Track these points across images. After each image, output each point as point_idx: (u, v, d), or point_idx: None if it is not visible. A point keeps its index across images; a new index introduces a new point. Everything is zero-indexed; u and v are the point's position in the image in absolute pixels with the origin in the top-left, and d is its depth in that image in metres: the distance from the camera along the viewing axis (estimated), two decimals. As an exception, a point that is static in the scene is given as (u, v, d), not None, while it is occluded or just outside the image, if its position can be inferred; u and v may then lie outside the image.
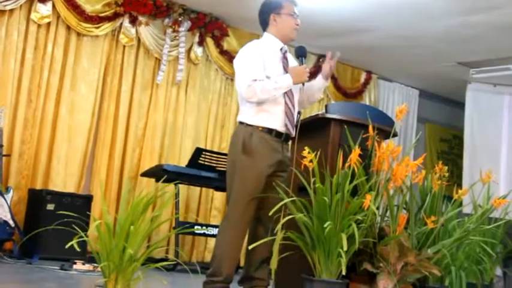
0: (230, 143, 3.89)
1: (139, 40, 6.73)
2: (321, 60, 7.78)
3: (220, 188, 6.58)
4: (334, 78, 8.18)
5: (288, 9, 3.89)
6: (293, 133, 3.81)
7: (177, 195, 6.03)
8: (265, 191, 3.74)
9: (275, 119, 3.76)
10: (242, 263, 4.10)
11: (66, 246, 3.09)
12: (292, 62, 3.95)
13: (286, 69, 3.84)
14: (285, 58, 3.90)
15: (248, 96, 3.70)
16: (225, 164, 6.26)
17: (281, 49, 3.89)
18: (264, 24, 3.95)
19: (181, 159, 6.87)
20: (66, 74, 6.26)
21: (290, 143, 3.86)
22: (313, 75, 7.91)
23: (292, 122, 3.80)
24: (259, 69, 3.73)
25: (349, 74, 8.46)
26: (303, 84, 3.83)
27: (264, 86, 3.68)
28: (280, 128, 3.76)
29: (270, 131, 3.75)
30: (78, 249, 3.22)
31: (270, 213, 3.48)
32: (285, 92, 3.78)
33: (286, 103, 3.79)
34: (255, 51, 3.81)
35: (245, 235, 3.79)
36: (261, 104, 3.74)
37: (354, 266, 3.57)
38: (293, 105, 3.83)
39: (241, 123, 3.81)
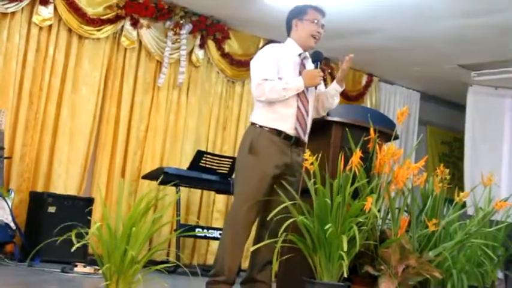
0: (240, 143, 3.92)
1: (140, 43, 6.73)
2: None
3: (222, 191, 6.58)
4: (335, 81, 8.18)
5: (311, 16, 3.91)
6: (304, 138, 3.81)
7: (178, 197, 6.03)
8: (272, 193, 3.74)
9: (285, 122, 3.77)
10: (246, 265, 4.10)
11: (72, 250, 3.08)
12: (311, 68, 3.93)
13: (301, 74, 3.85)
14: (302, 64, 3.91)
15: (257, 94, 3.74)
16: (225, 167, 6.27)
17: (300, 55, 3.92)
18: (288, 29, 4.00)
19: (182, 161, 6.86)
20: (67, 77, 6.26)
21: (303, 148, 3.80)
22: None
23: (303, 126, 3.79)
24: (271, 70, 3.75)
25: (351, 77, 8.46)
26: (316, 87, 3.84)
27: (274, 85, 3.70)
28: (290, 131, 3.76)
29: (278, 132, 3.75)
30: (78, 251, 3.21)
31: (269, 218, 3.48)
32: (299, 96, 3.79)
33: (298, 107, 3.79)
34: (270, 52, 3.86)
35: (248, 235, 3.79)
36: (272, 105, 3.76)
37: (355, 268, 3.57)
38: (306, 111, 3.82)
39: (252, 123, 3.85)
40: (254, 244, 3.78)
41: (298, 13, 3.95)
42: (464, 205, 4.15)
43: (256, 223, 3.88)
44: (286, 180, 3.77)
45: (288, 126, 3.76)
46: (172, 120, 6.97)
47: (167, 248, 6.55)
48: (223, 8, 6.81)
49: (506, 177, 7.88)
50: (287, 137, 3.76)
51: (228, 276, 3.69)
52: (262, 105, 3.80)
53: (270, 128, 3.76)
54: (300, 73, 3.84)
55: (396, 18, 6.53)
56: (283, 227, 3.40)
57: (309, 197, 3.55)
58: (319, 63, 3.89)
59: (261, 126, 3.77)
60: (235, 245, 3.73)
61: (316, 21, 3.91)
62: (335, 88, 3.98)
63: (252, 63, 3.87)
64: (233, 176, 4.16)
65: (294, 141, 3.79)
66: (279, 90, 3.71)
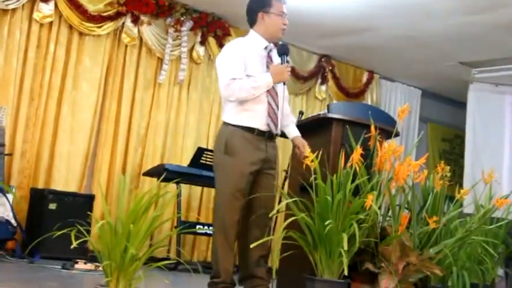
0: (214, 144, 3.90)
1: (141, 39, 6.73)
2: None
3: (222, 188, 6.57)
4: (336, 78, 8.18)
5: (277, 8, 3.84)
6: (277, 131, 3.82)
7: (178, 194, 6.03)
8: (254, 189, 3.76)
9: (257, 118, 3.75)
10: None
11: (71, 247, 3.08)
12: (277, 60, 3.88)
13: (269, 69, 3.80)
14: (269, 57, 3.86)
15: (227, 94, 3.73)
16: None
17: (266, 47, 3.86)
18: (252, 22, 3.91)
19: (183, 158, 6.87)
20: (68, 73, 6.26)
21: (276, 141, 3.87)
22: (313, 75, 7.98)
23: (275, 121, 3.79)
24: (239, 68, 3.71)
25: (351, 74, 8.46)
26: (284, 83, 3.81)
27: (243, 84, 3.67)
28: (262, 126, 3.76)
29: (251, 130, 3.74)
30: (78, 248, 3.22)
31: (271, 216, 3.49)
32: (268, 91, 3.76)
33: (269, 102, 3.78)
34: (235, 49, 3.80)
35: (235, 234, 3.77)
36: (242, 103, 3.74)
37: (355, 265, 3.57)
38: (277, 105, 3.81)
39: (224, 123, 3.84)
40: (243, 240, 3.79)
41: (263, 5, 3.85)
42: (462, 204, 4.15)
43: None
44: (267, 174, 3.80)
45: (260, 123, 3.75)
46: (173, 117, 6.97)
47: (168, 244, 6.55)
48: (224, 5, 6.80)
49: (507, 175, 7.87)
50: (260, 133, 3.76)
51: (225, 278, 3.70)
52: (234, 105, 3.77)
53: (242, 127, 3.74)
54: (268, 67, 3.80)
55: (397, 16, 6.53)
56: (281, 225, 3.40)
57: (308, 194, 3.55)
58: (285, 56, 3.81)
59: (233, 125, 3.76)
60: (225, 246, 3.71)
61: (282, 13, 3.85)
62: (292, 137, 3.97)
63: (218, 61, 3.83)
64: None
65: (268, 136, 3.78)
66: (248, 89, 3.68)
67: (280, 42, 3.85)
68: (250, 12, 3.91)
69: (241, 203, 3.73)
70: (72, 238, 3.06)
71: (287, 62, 3.81)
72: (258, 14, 3.86)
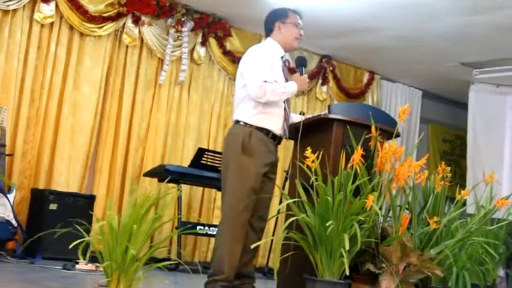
0: (227, 142, 3.94)
1: (142, 40, 6.74)
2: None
3: (223, 188, 6.58)
4: (337, 79, 8.18)
5: (293, 19, 4.02)
6: (286, 136, 3.95)
7: (179, 195, 6.03)
8: (259, 191, 3.84)
9: (275, 122, 3.87)
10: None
11: (70, 247, 3.09)
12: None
13: (286, 77, 3.96)
14: (285, 66, 4.04)
15: (257, 96, 3.77)
16: (227, 164, 6.26)
17: (282, 57, 4.01)
18: (269, 31, 4.07)
19: (183, 159, 6.87)
20: (69, 74, 6.27)
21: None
22: (314, 75, 7.98)
23: (287, 126, 3.94)
24: (270, 72, 3.82)
25: (352, 75, 8.46)
26: (303, 92, 3.95)
27: (275, 88, 3.78)
28: (277, 130, 3.88)
29: (267, 132, 3.84)
30: (80, 249, 3.22)
31: (269, 219, 3.52)
32: None
33: (285, 108, 3.92)
34: (265, 54, 3.91)
35: (245, 233, 3.80)
36: (265, 106, 3.83)
37: (356, 266, 3.57)
38: (289, 112, 3.98)
39: (238, 122, 3.87)
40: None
41: (280, 16, 4.03)
42: (465, 203, 4.15)
43: None
44: (269, 177, 3.91)
45: (277, 126, 3.87)
46: (174, 118, 6.97)
47: (168, 245, 6.55)
48: (225, 5, 6.80)
49: (508, 175, 7.87)
50: (273, 136, 3.87)
51: (228, 275, 3.72)
52: (252, 105, 3.83)
53: (260, 128, 3.82)
54: (284, 75, 3.94)
55: (398, 16, 6.53)
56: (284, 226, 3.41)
57: (308, 195, 3.55)
58: (304, 68, 4.01)
59: (250, 126, 3.82)
60: (235, 244, 3.74)
61: (297, 24, 4.03)
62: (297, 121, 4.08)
63: (248, 62, 3.88)
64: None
65: (278, 141, 3.92)
66: (279, 94, 3.81)
67: (299, 55, 4.11)
68: (268, 21, 4.08)
69: (253, 203, 3.79)
70: (77, 243, 3.06)
71: (305, 73, 4.01)
72: (275, 24, 4.02)
